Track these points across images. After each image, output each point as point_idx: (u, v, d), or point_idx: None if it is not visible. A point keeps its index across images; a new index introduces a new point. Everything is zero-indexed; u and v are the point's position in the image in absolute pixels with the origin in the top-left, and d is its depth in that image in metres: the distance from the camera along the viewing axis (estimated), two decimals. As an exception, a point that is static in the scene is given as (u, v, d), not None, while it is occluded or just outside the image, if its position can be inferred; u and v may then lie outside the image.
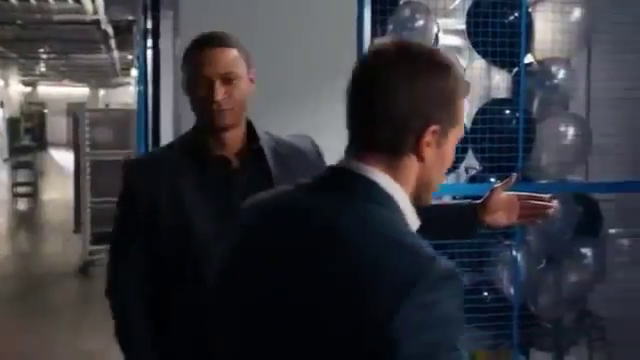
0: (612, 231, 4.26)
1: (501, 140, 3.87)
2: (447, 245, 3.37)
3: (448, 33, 4.58)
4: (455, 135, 1.36)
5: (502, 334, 4.03)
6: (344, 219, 1.26)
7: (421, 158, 1.32)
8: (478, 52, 4.07)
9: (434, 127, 1.29)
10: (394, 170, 1.32)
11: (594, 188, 4.23)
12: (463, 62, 4.27)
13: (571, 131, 4.00)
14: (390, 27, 4.03)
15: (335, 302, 1.20)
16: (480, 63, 4.22)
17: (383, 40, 1.34)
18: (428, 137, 1.29)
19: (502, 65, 4.07)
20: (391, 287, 1.16)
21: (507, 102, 4.04)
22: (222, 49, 2.03)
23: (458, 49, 4.49)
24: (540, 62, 4.07)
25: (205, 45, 2.03)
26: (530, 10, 4.08)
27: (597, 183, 4.23)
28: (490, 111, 4.02)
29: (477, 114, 4.07)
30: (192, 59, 2.03)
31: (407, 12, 4.07)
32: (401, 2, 4.13)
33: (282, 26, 3.38)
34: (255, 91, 2.12)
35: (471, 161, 4.15)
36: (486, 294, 4.10)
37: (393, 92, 1.29)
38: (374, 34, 3.85)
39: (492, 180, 4.03)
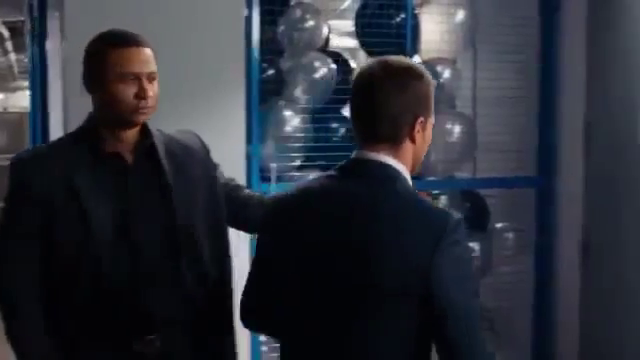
0: (498, 225, 4.41)
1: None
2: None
3: (340, 35, 4.65)
4: (431, 121, 1.85)
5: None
6: (378, 193, 1.75)
7: (414, 142, 1.81)
8: (367, 53, 4.15)
9: (420, 119, 1.80)
10: (396, 154, 1.80)
11: (481, 184, 4.38)
12: (354, 63, 4.35)
13: (457, 129, 4.12)
14: (281, 28, 4.07)
15: (387, 258, 1.67)
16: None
17: (370, 62, 1.78)
18: (417, 127, 1.80)
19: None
20: (427, 236, 1.67)
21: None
22: (145, 48, 2.07)
23: (350, 50, 4.56)
24: (426, 62, 4.17)
25: (127, 43, 2.04)
26: (417, 12, 4.19)
27: (484, 179, 4.37)
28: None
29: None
30: (111, 56, 2.03)
31: (297, 13, 4.11)
32: (292, 3, 4.18)
33: (170, 27, 3.36)
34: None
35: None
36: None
37: (389, 99, 1.77)
38: (264, 34, 3.89)
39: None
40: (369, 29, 4.01)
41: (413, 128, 1.80)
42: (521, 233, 4.40)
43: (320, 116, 4.05)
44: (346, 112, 4.29)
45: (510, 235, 4.39)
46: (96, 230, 2.03)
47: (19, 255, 2.07)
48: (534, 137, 4.28)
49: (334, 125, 4.10)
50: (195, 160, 2.22)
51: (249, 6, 3.64)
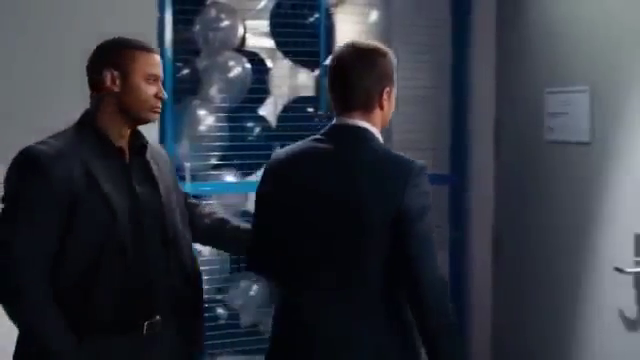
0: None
1: (305, 137, 3.99)
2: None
3: (257, 34, 4.66)
4: (394, 90, 2.28)
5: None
6: (358, 150, 2.17)
7: (382, 109, 2.23)
8: (282, 52, 4.19)
9: (387, 89, 2.23)
10: (369, 118, 2.21)
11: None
12: (271, 62, 4.38)
13: (372, 127, 4.17)
14: (196, 27, 4.08)
15: (369, 199, 2.10)
16: (288, 63, 4.34)
17: (342, 46, 2.26)
18: (384, 95, 2.22)
19: (306, 65, 4.21)
20: (399, 178, 2.11)
21: (310, 100, 4.18)
22: (158, 56, 2.34)
23: (268, 50, 4.58)
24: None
25: (151, 49, 2.31)
26: (331, 12, 4.24)
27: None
28: (294, 109, 4.15)
29: (282, 112, 4.19)
30: (140, 58, 2.24)
31: (213, 13, 4.12)
32: (207, 3, 4.19)
33: (80, 28, 3.34)
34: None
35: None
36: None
37: (362, 75, 2.18)
38: (180, 34, 3.90)
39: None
40: (283, 29, 4.04)
41: (381, 97, 2.21)
42: (438, 229, 4.47)
43: (235, 115, 4.07)
44: (262, 111, 4.32)
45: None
46: (119, 215, 2.18)
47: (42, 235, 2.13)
48: (447, 136, 4.36)
49: (249, 124, 4.12)
50: (166, 163, 2.46)
51: (161, 6, 3.64)
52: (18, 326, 2.15)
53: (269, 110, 4.31)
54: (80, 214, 2.13)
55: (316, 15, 4.05)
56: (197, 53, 4.15)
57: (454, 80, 4.33)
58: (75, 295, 2.15)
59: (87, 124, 2.26)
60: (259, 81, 4.15)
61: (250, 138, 4.09)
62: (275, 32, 4.13)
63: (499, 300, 4.16)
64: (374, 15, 4.29)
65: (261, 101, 4.26)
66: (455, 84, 4.33)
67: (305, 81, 4.38)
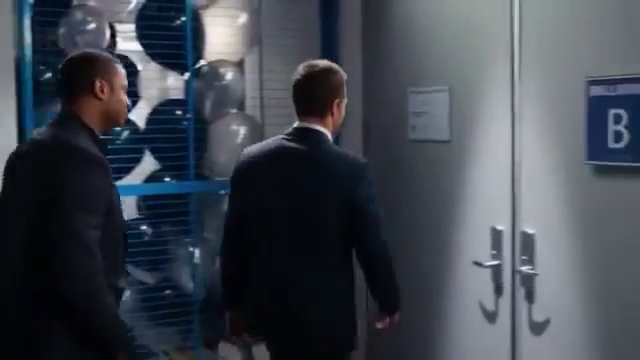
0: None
1: (174, 140, 3.99)
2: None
3: (127, 38, 4.59)
4: (344, 101, 2.96)
5: (187, 331, 4.16)
6: (317, 150, 2.84)
7: (333, 115, 2.90)
8: (149, 55, 4.14)
9: (336, 100, 2.90)
10: (324, 124, 2.89)
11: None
12: (140, 65, 4.32)
13: (243, 130, 4.18)
14: (62, 30, 3.98)
15: (329, 189, 2.79)
16: (156, 65, 4.29)
17: (302, 66, 2.93)
18: (335, 105, 2.89)
19: (174, 68, 4.18)
20: (353, 178, 2.80)
21: (179, 103, 4.16)
22: None
23: (139, 53, 4.51)
24: (211, 64, 4.21)
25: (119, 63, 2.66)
26: (200, 14, 4.22)
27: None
28: (163, 112, 4.12)
29: (151, 114, 4.14)
30: (120, 72, 2.61)
31: (79, 15, 4.02)
32: (73, 4, 4.10)
33: None
34: None
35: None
36: (169, 292, 4.20)
37: (320, 87, 2.88)
38: (46, 37, 3.80)
39: (167, 179, 4.15)
40: (149, 32, 4.00)
41: (332, 106, 2.88)
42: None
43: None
44: (132, 115, 4.27)
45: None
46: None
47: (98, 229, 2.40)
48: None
49: (117, 128, 4.05)
50: None
51: (20, 8, 3.55)
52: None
53: (140, 114, 4.25)
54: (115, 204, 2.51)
55: (183, 18, 4.01)
56: (65, 56, 4.04)
57: None
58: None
59: (88, 128, 2.53)
60: (128, 84, 4.09)
61: (118, 141, 4.03)
62: (142, 35, 4.07)
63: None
64: (244, 17, 4.30)
65: (134, 104, 4.21)
66: None
67: (175, 84, 4.33)
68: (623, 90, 2.58)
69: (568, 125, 2.82)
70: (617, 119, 2.60)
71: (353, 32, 4.24)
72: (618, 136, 2.60)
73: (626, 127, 2.57)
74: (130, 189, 3.96)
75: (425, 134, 3.66)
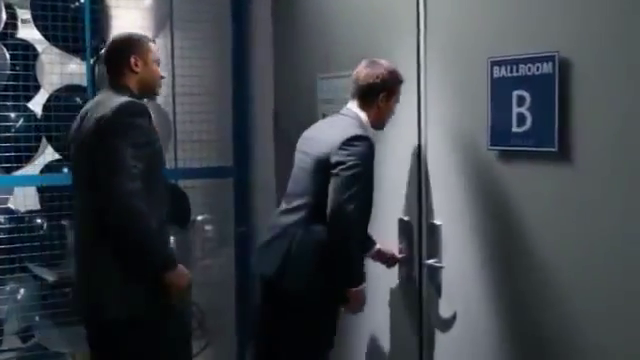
0: (199, 218, 4.32)
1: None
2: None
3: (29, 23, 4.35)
4: (393, 98, 3.01)
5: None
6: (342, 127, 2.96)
7: (378, 108, 2.99)
8: (47, 39, 3.92)
9: (384, 93, 2.97)
10: (366, 110, 3.00)
11: (177, 175, 4.24)
12: (40, 48, 4.08)
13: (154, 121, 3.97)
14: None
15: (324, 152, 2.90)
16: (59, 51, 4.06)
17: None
18: (381, 98, 2.98)
19: (75, 52, 3.95)
20: (336, 141, 2.86)
21: (79, 89, 3.93)
22: None
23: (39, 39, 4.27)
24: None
25: (153, 41, 3.11)
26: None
27: (181, 170, 4.25)
28: (61, 98, 3.89)
29: (48, 101, 3.92)
30: (151, 48, 3.01)
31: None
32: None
33: None
34: None
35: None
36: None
37: (368, 78, 2.99)
38: None
39: (66, 170, 3.91)
40: (45, 14, 3.79)
41: (378, 98, 2.96)
42: (221, 225, 4.34)
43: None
44: (31, 104, 4.04)
45: (211, 227, 4.31)
46: None
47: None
48: (229, 128, 4.24)
49: (12, 115, 3.83)
50: None
51: None
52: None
53: (39, 101, 4.02)
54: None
55: (81, 0, 3.79)
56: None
57: (234, 73, 4.23)
58: None
59: (127, 90, 2.92)
60: (26, 70, 3.87)
61: (13, 130, 3.79)
62: (37, 17, 3.85)
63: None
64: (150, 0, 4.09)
65: (29, 91, 3.97)
66: (236, 77, 4.23)
67: (77, 69, 4.10)
68: (524, 71, 2.44)
69: (473, 110, 2.68)
70: (520, 101, 2.46)
71: (264, 23, 4.09)
72: (521, 119, 2.46)
73: (529, 109, 2.43)
74: (28, 179, 3.75)
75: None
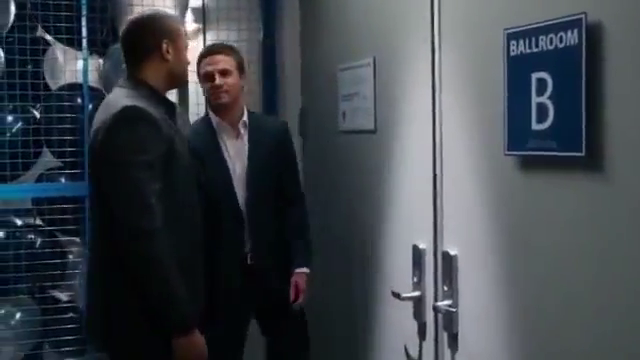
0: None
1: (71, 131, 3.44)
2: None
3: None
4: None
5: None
6: None
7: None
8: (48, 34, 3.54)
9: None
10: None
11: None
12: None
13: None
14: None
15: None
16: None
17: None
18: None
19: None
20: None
21: (81, 87, 3.49)
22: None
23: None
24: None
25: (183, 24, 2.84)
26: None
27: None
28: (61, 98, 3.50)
29: (45, 100, 3.55)
30: (182, 32, 2.56)
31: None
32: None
33: None
34: None
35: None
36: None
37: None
38: None
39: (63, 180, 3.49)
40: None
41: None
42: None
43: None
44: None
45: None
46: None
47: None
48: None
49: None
50: None
51: None
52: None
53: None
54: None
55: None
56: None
57: (265, 72, 3.88)
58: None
59: (155, 90, 2.45)
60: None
61: (8, 135, 3.43)
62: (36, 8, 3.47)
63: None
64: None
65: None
66: (266, 75, 3.87)
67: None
68: (544, 44, 1.75)
69: (489, 100, 2.00)
70: (541, 87, 1.77)
71: (293, 25, 3.73)
72: (543, 112, 1.76)
73: (550, 98, 1.74)
74: (16, 191, 3.35)
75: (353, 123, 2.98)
